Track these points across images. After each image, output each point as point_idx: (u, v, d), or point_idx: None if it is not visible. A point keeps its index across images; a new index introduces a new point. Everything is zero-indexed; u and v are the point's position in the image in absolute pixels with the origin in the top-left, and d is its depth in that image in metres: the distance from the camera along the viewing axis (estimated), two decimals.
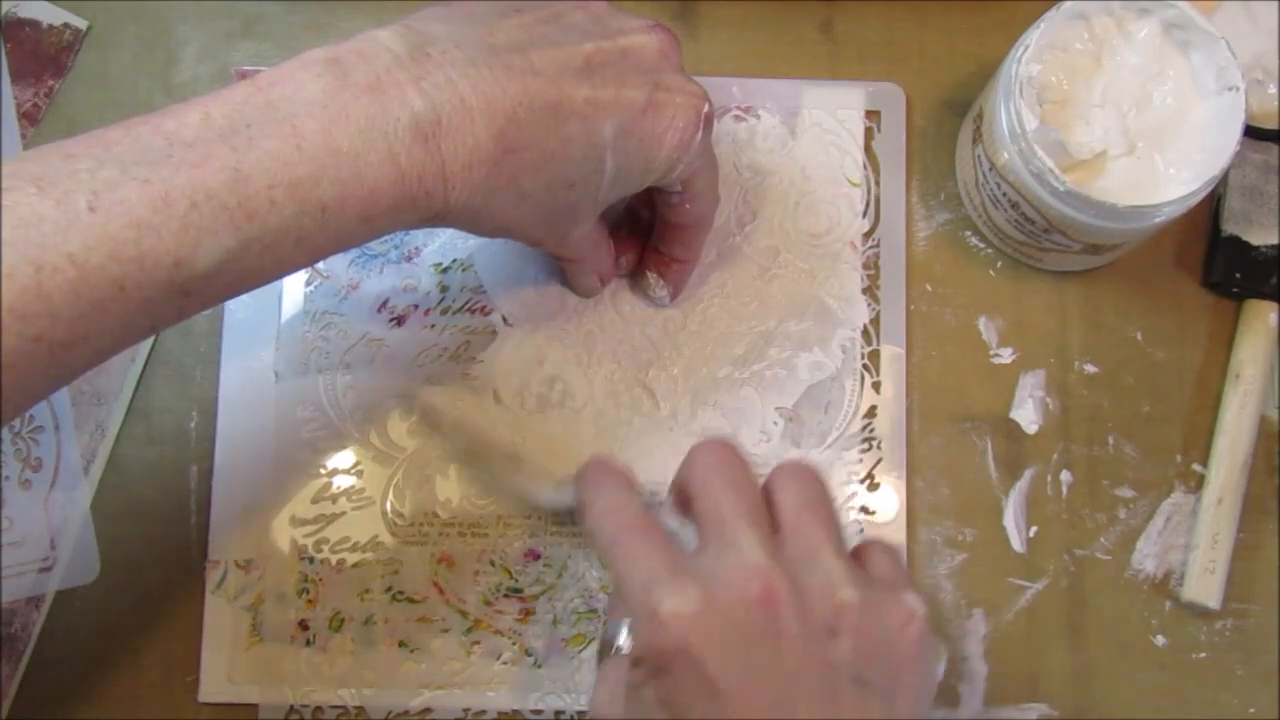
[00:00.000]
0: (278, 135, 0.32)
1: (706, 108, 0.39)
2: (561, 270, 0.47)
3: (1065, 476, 0.47)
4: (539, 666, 0.46)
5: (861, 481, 0.47)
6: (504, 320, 0.47)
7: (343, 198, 0.33)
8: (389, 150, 0.33)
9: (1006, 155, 0.43)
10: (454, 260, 0.48)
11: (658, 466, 0.47)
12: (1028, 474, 0.47)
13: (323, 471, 0.46)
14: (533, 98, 0.35)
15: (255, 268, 0.32)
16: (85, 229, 0.30)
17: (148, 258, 0.30)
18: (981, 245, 0.49)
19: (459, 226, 0.37)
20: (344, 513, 0.46)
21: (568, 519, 0.46)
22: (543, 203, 0.37)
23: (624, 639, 0.36)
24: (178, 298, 0.31)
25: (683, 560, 0.34)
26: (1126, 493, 0.48)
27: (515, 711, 0.46)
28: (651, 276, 0.46)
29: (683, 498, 0.37)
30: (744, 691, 0.32)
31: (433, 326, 0.47)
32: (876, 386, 0.48)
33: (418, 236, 0.48)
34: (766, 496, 0.36)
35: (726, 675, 0.32)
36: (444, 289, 0.48)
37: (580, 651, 0.46)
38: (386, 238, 0.48)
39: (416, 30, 0.36)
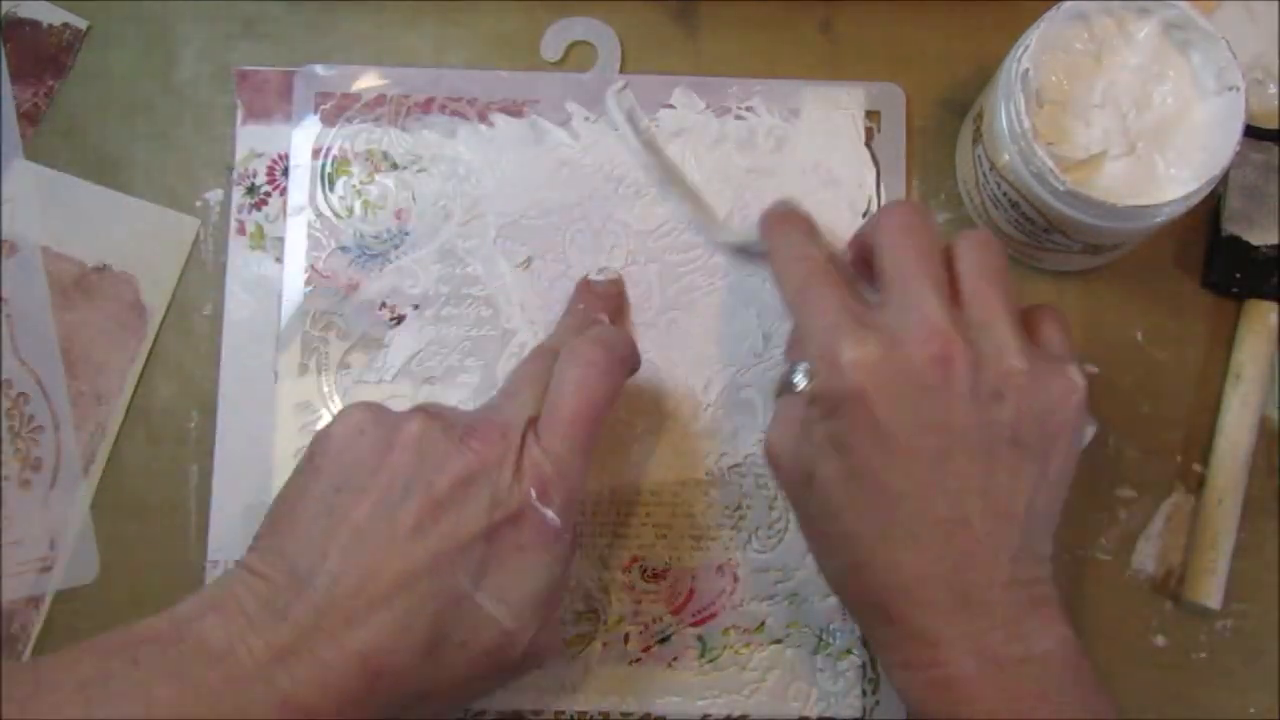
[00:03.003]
0: (131, 697, 0.33)
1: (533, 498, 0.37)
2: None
3: None
4: (539, 666, 0.46)
5: None
6: (505, 321, 0.48)
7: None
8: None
9: (1007, 155, 0.43)
10: (455, 260, 0.48)
11: (659, 467, 0.47)
12: None
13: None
14: (382, 621, 0.35)
15: None
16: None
17: None
18: None
19: None
20: None
21: (740, 253, 0.47)
22: (454, 674, 0.36)
23: (800, 378, 0.38)
24: None
25: (865, 312, 0.37)
26: (1126, 493, 0.48)
27: (515, 711, 0.45)
28: None
29: (864, 253, 0.40)
30: (909, 440, 0.35)
31: (433, 326, 0.47)
32: None
33: (418, 235, 0.48)
34: (948, 262, 0.38)
35: (894, 422, 0.35)
36: (444, 289, 0.48)
37: (580, 652, 0.46)
38: (385, 236, 0.48)
39: (264, 599, 0.35)
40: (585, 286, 0.47)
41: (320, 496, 0.36)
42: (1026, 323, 0.38)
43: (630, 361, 0.42)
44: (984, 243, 0.39)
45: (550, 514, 0.37)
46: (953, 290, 0.38)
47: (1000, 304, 0.37)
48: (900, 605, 0.36)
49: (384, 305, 0.47)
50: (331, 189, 0.48)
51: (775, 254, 0.42)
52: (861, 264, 0.41)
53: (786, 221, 0.43)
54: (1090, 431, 0.39)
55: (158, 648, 0.34)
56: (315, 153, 0.48)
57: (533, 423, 0.38)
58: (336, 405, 0.47)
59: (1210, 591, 0.46)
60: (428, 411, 0.38)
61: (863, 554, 0.37)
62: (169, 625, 0.35)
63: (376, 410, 0.38)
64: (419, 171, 0.48)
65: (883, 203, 0.49)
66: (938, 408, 0.36)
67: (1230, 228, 0.48)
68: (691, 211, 0.48)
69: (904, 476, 0.36)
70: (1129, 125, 0.44)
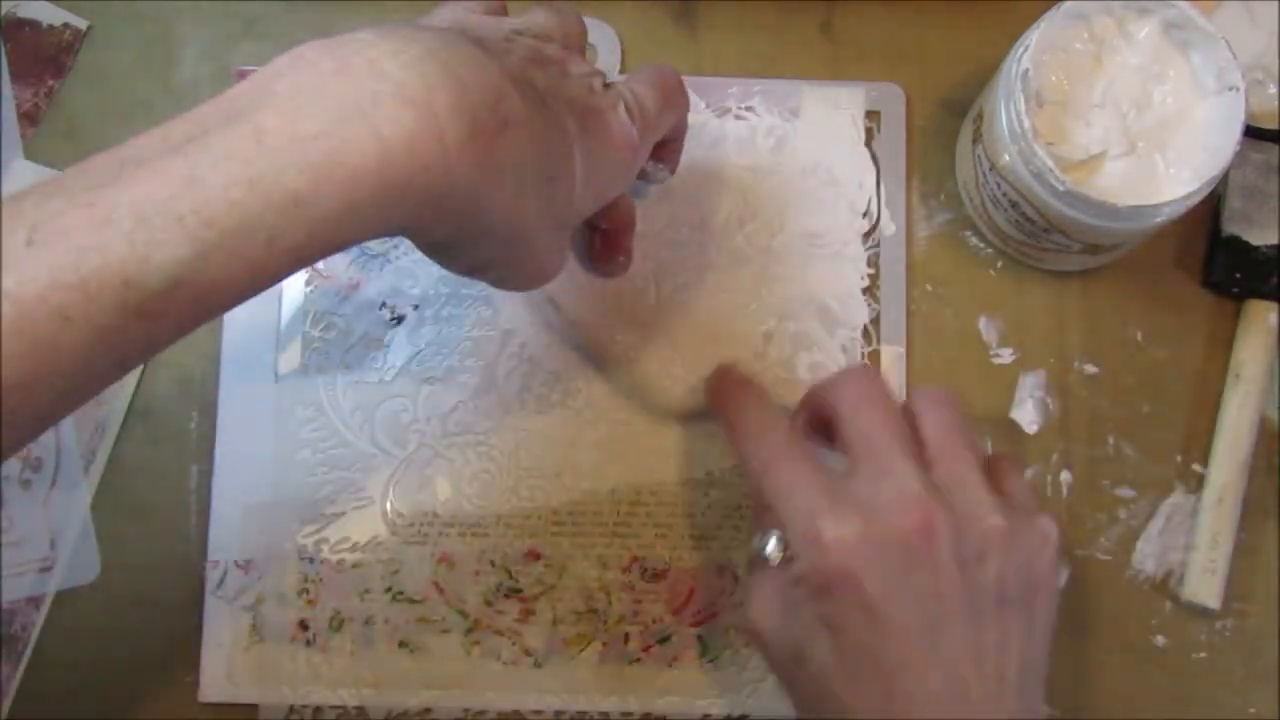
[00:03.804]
0: (236, 135, 0.29)
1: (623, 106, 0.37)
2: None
3: (1065, 476, 0.47)
4: (539, 666, 0.46)
5: None
6: (505, 321, 0.47)
7: (317, 184, 0.29)
8: (369, 125, 0.29)
9: (1007, 156, 0.43)
10: None
11: (658, 466, 0.47)
12: (1028, 474, 0.47)
13: (323, 471, 0.46)
14: (514, 74, 0.33)
15: (224, 278, 0.29)
16: (21, 263, 0.27)
17: (91, 282, 0.27)
18: (981, 245, 0.49)
19: (455, 226, 0.33)
20: (344, 513, 0.46)
21: (690, 420, 0.47)
22: (534, 198, 0.34)
23: (772, 548, 0.38)
24: (136, 322, 0.28)
25: (839, 487, 0.37)
26: (1126, 493, 0.48)
27: (515, 711, 0.46)
28: (649, 165, 0.44)
29: (819, 420, 0.40)
30: (901, 614, 0.35)
31: (433, 326, 0.47)
32: None
33: None
34: (909, 421, 0.38)
35: (885, 598, 0.35)
36: (444, 289, 0.48)
37: (580, 652, 0.46)
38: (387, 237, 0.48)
39: (384, 23, 0.34)
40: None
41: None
42: (990, 475, 0.38)
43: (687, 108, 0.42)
44: (942, 400, 0.39)
45: (634, 129, 0.37)
46: (919, 449, 0.38)
47: (968, 459, 0.38)
48: None
49: (384, 305, 0.47)
50: None
51: (735, 428, 0.41)
52: (816, 423, 0.40)
53: (740, 392, 0.42)
54: (1065, 574, 0.39)
55: (253, 94, 0.30)
56: None
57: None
58: (337, 405, 0.47)
59: (1210, 591, 0.46)
60: (522, 27, 0.37)
61: None
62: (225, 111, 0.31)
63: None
64: None
65: (883, 203, 0.49)
66: (925, 577, 0.35)
67: (1230, 228, 0.48)
68: (634, 383, 0.47)
69: (899, 650, 0.35)
70: (1129, 125, 0.44)
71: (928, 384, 0.44)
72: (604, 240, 0.45)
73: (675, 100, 0.41)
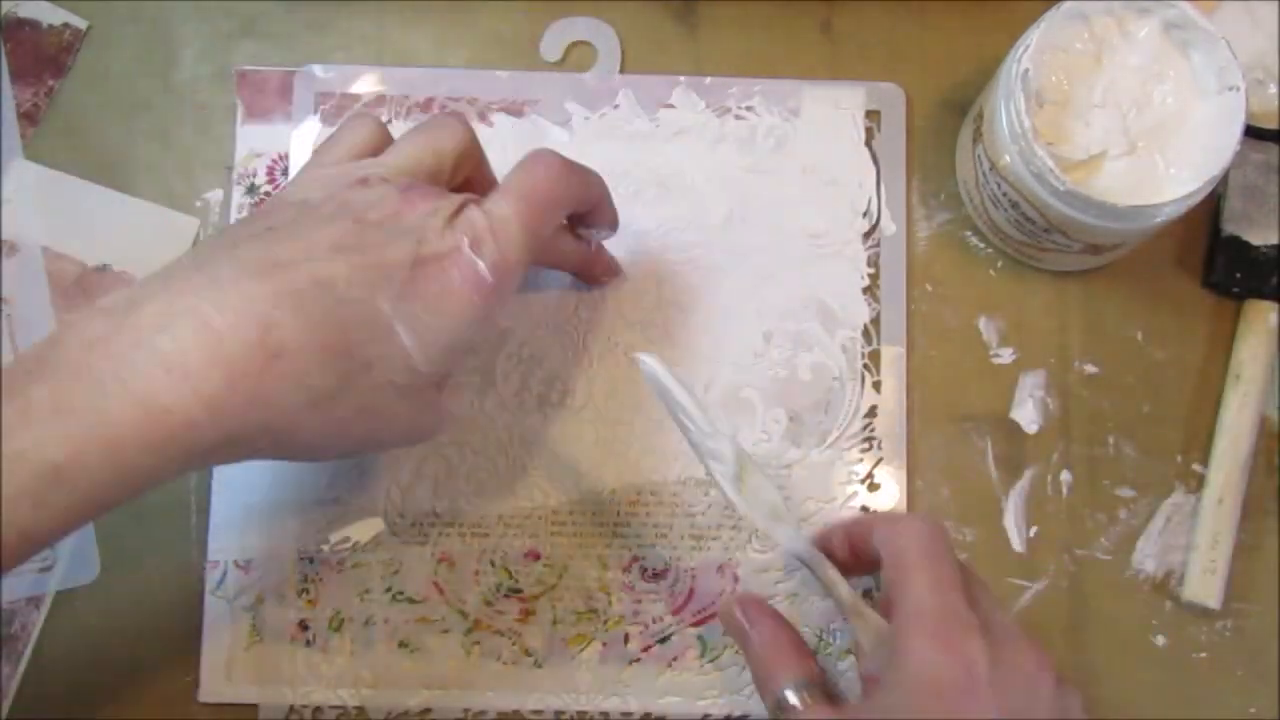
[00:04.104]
0: (11, 408, 0.31)
1: (471, 253, 0.36)
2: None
3: (1065, 476, 0.47)
4: (539, 666, 0.46)
5: (861, 481, 0.47)
6: (503, 320, 0.47)
7: (78, 454, 0.31)
8: (128, 393, 0.32)
9: (1007, 156, 0.43)
10: None
11: (658, 466, 0.47)
12: (1028, 474, 0.47)
13: (323, 471, 0.46)
14: (288, 292, 0.34)
15: None
16: None
17: None
18: (981, 245, 0.49)
19: (261, 452, 0.35)
20: (344, 513, 0.46)
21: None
22: (341, 400, 0.35)
23: (796, 696, 0.39)
24: None
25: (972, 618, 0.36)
26: (1126, 493, 0.48)
27: (515, 711, 0.46)
28: (584, 231, 0.44)
29: (863, 553, 0.40)
30: None
31: None
32: (877, 386, 0.48)
33: None
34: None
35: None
36: None
37: (580, 652, 0.46)
38: None
39: (165, 269, 0.35)
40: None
41: (250, 220, 0.37)
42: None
43: (592, 184, 0.41)
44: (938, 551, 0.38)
45: (481, 264, 0.36)
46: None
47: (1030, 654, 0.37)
48: None
49: None
50: None
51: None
52: (857, 555, 0.41)
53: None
54: (1077, 701, 0.39)
55: (31, 365, 0.33)
56: None
57: (476, 201, 0.38)
58: None
59: (1210, 591, 0.46)
60: (370, 173, 0.38)
61: None
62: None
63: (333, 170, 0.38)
64: None
65: (883, 202, 0.49)
66: None
67: (1230, 228, 0.48)
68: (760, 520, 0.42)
69: None
70: (1129, 125, 0.44)
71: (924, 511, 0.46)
72: (578, 273, 0.47)
73: (554, 196, 0.39)
